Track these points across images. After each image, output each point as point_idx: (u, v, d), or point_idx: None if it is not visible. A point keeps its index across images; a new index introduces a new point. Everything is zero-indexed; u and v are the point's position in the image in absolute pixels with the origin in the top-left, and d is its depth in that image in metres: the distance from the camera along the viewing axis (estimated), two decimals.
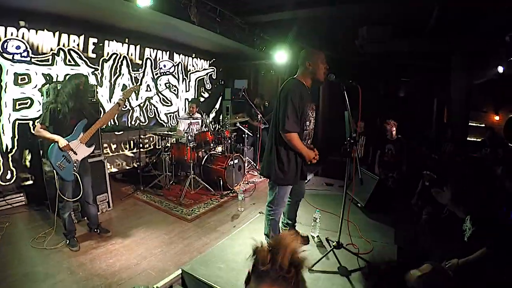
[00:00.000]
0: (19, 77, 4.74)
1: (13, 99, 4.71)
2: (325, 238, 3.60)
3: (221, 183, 5.48)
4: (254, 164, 7.09)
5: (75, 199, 3.53)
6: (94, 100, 4.60)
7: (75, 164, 3.41)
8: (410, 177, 4.96)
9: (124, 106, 3.74)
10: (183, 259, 3.32)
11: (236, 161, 5.79)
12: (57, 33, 5.13)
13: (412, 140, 5.97)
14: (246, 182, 6.24)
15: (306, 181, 3.51)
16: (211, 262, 3.10)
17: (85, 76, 3.63)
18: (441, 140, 6.36)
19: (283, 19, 5.78)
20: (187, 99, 7.90)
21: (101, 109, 5.30)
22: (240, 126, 6.72)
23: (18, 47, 4.67)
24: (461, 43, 5.79)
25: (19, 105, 4.78)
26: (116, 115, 3.70)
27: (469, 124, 6.89)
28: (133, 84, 6.47)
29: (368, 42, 6.00)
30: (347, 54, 6.64)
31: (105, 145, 5.98)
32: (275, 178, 3.02)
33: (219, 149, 6.40)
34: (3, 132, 4.64)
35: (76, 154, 3.39)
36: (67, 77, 3.73)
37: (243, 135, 6.86)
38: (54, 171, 3.34)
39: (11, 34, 4.60)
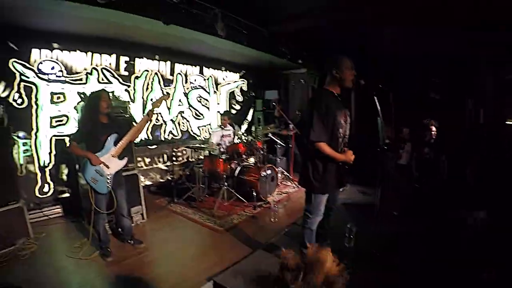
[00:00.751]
0: (55, 96, 4.97)
1: (50, 116, 4.93)
2: None
3: (254, 194, 5.39)
4: (287, 175, 6.97)
5: (109, 211, 3.59)
6: (127, 115, 4.76)
7: (108, 178, 3.46)
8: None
9: (154, 116, 3.78)
10: (216, 270, 3.22)
11: (269, 171, 5.70)
12: (89, 53, 5.36)
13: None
14: (280, 192, 6.12)
15: (341, 189, 3.39)
16: (244, 273, 3.01)
17: (106, 91, 3.67)
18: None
19: (310, 26, 5.69)
20: (219, 112, 7.94)
21: (134, 124, 5.43)
22: (272, 137, 6.66)
23: (52, 68, 4.91)
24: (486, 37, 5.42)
25: (55, 122, 4.99)
26: (146, 126, 3.74)
27: (507, 122, 6.35)
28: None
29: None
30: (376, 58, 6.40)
31: (139, 158, 6.08)
32: (310, 186, 3.00)
33: (252, 160, 6.34)
34: (40, 148, 4.85)
35: (109, 168, 3.44)
36: (88, 94, 3.84)
37: (275, 146, 6.79)
38: (89, 185, 3.41)
39: (46, 56, 4.86)
